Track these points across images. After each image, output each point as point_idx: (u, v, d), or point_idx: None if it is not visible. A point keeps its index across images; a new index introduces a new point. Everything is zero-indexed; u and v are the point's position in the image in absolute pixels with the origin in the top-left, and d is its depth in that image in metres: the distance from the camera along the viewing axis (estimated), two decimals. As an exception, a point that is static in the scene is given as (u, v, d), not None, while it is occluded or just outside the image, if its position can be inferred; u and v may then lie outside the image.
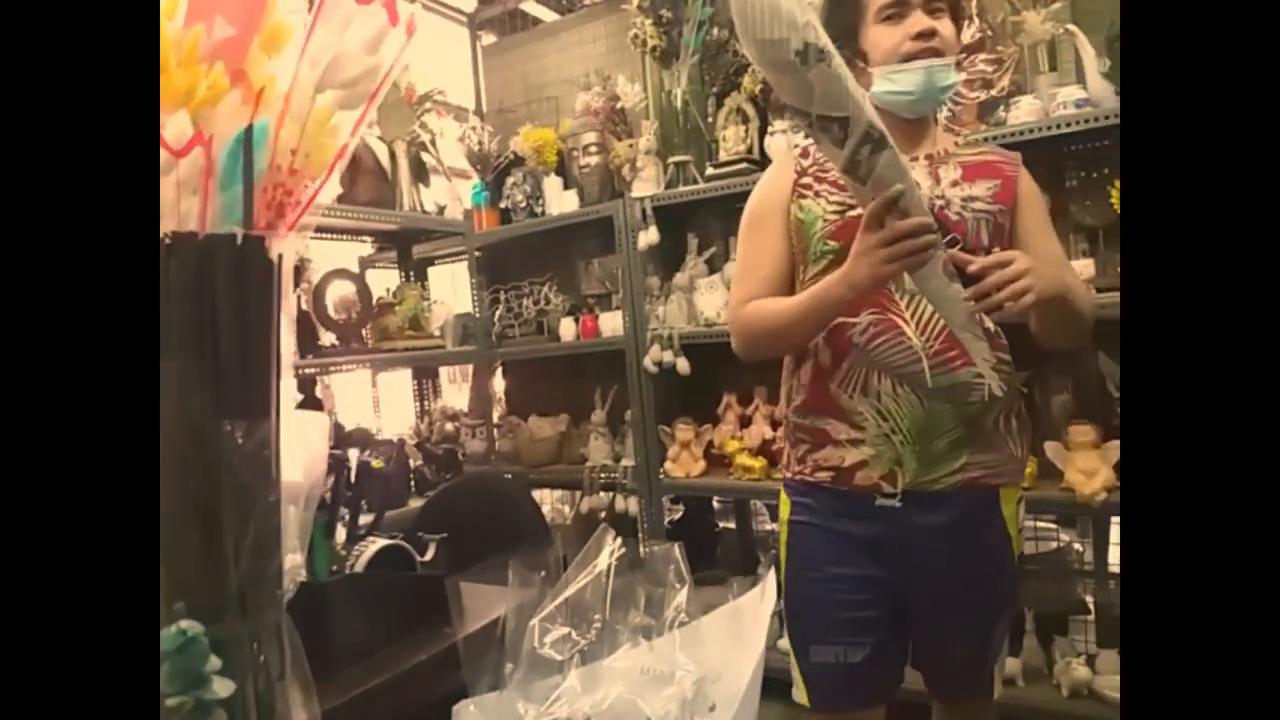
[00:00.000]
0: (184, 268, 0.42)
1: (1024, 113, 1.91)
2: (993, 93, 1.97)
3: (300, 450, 0.48)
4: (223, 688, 0.32)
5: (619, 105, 2.53)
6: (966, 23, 1.99)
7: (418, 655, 0.70)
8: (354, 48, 0.59)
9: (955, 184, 1.16)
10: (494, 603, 0.81)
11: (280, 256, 0.48)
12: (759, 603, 0.63)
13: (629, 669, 0.63)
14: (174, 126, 0.55)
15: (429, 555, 0.84)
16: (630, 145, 2.50)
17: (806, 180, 1.21)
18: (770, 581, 0.64)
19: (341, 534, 0.79)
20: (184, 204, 0.56)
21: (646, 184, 2.47)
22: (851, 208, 1.12)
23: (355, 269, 2.52)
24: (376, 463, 1.11)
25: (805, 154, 1.24)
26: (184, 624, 0.33)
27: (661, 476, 2.46)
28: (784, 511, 1.24)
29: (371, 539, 0.79)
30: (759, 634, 0.62)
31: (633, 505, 2.52)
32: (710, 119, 2.41)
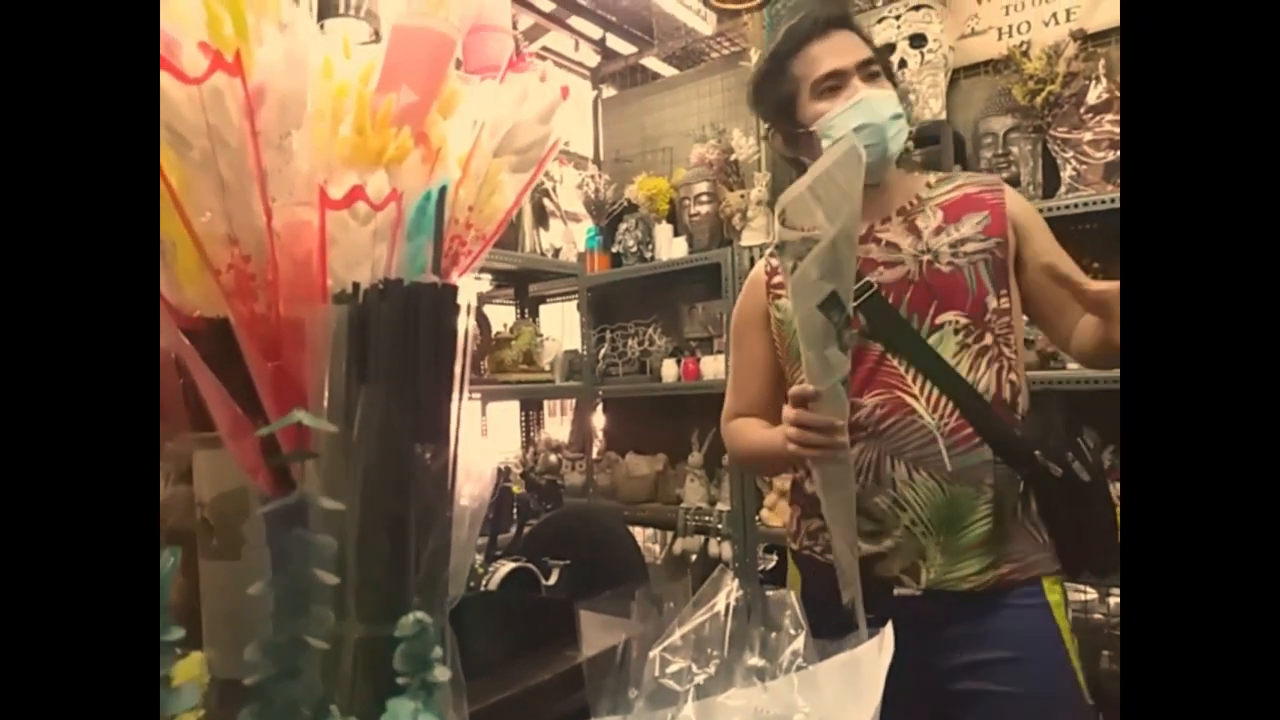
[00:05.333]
0: (392, 309, 0.49)
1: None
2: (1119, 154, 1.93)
3: (470, 474, 0.54)
4: (442, 673, 0.37)
5: (733, 157, 2.60)
6: (1094, 82, 1.96)
7: (542, 674, 0.74)
8: (529, 118, 0.66)
9: (939, 230, 1.08)
10: (609, 630, 0.86)
11: (468, 303, 0.54)
12: (877, 654, 0.64)
13: (744, 707, 0.65)
14: (374, 184, 0.63)
15: (553, 579, 0.89)
16: (742, 195, 2.56)
17: (779, 279, 1.15)
18: (888, 634, 0.65)
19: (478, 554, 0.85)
20: (377, 250, 0.64)
21: (756, 233, 2.51)
22: None
23: (475, 304, 2.67)
24: (516, 488, 1.18)
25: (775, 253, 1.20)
26: (418, 614, 0.38)
27: (757, 523, 2.45)
28: (793, 582, 1.17)
29: (502, 560, 0.85)
30: (876, 685, 0.63)
31: (726, 550, 2.52)
32: (823, 172, 2.44)
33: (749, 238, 2.52)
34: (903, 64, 2.26)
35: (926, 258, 1.07)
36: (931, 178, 1.17)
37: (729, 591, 0.73)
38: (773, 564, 2.79)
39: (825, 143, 1.07)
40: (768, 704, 0.64)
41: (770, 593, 0.75)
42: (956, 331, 1.03)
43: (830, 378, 0.89)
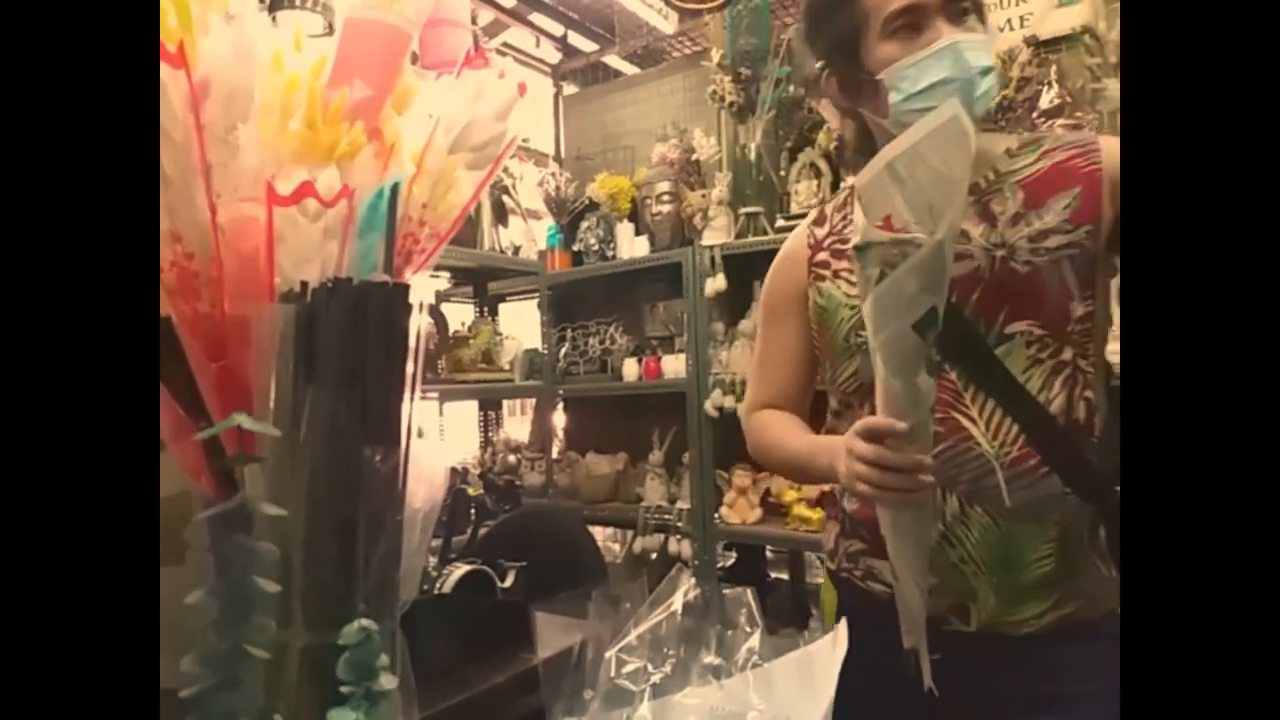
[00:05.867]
0: (342, 308, 0.48)
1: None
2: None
3: (423, 476, 0.53)
4: (388, 681, 0.36)
5: (694, 157, 2.61)
6: (1046, 88, 2.01)
7: (496, 677, 0.74)
8: (485, 115, 0.66)
9: (1017, 218, 0.87)
10: (566, 632, 0.85)
11: (421, 303, 0.53)
12: (831, 651, 0.65)
13: (700, 705, 0.65)
14: (325, 179, 0.61)
15: (509, 582, 0.89)
16: (703, 195, 2.57)
17: (823, 256, 0.98)
18: (842, 630, 0.66)
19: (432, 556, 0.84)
20: (327, 247, 0.63)
21: (717, 233, 2.52)
22: None
23: (432, 302, 2.64)
24: (473, 489, 1.17)
25: (821, 219, 1.02)
26: (364, 622, 0.38)
27: (717, 521, 2.46)
28: (829, 604, 1.04)
29: (457, 563, 0.84)
30: (829, 682, 0.63)
31: (685, 548, 2.53)
32: (783, 173, 2.47)
33: (710, 237, 2.53)
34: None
35: (1000, 253, 0.87)
36: (1014, 142, 0.94)
37: (686, 590, 0.73)
38: (731, 561, 2.82)
39: (894, 96, 0.86)
40: (723, 702, 0.65)
41: (727, 590, 0.75)
42: (1030, 344, 0.86)
43: (920, 410, 0.74)
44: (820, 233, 1.00)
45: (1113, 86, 1.94)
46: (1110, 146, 0.89)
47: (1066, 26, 2.04)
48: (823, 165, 2.37)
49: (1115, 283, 0.90)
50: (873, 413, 0.80)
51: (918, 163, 0.65)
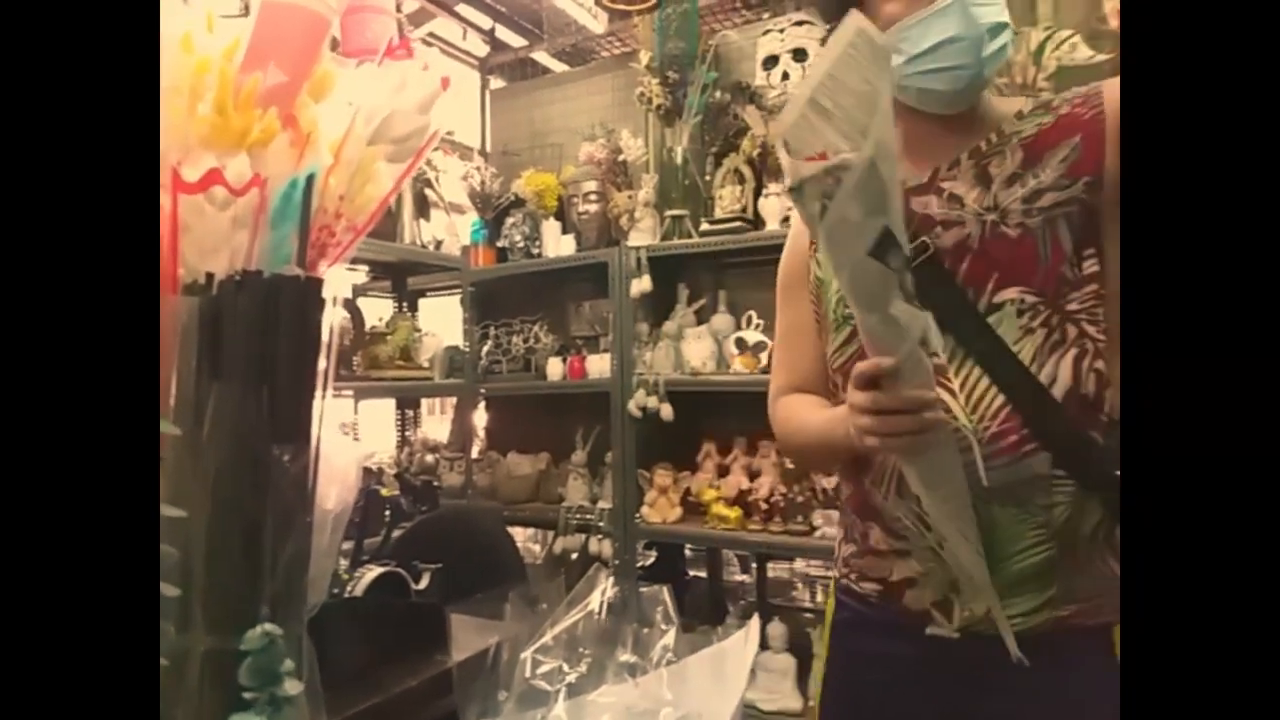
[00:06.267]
0: (250, 302, 0.47)
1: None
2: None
3: (334, 476, 0.51)
4: (292, 686, 0.35)
5: (621, 157, 2.62)
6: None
7: (409, 680, 0.72)
8: (408, 107, 0.64)
9: (1012, 179, 0.82)
10: (483, 633, 0.84)
11: (335, 297, 0.52)
12: (743, 647, 0.67)
13: (614, 704, 0.66)
14: (235, 167, 0.59)
15: (423, 584, 0.87)
16: (630, 196, 2.58)
17: None
18: (754, 627, 0.68)
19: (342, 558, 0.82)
20: (236, 238, 0.61)
21: (643, 234, 2.54)
22: None
23: (348, 296, 2.56)
24: (388, 490, 1.13)
25: None
26: (267, 626, 0.36)
27: (638, 520, 2.48)
28: (829, 610, 0.99)
29: (369, 565, 0.82)
30: (740, 677, 0.65)
31: (606, 548, 2.54)
32: (708, 177, 2.51)
33: (636, 238, 2.55)
34: (785, 77, 2.36)
35: (991, 218, 0.82)
36: (1027, 104, 0.88)
37: (604, 590, 0.73)
38: (651, 560, 2.84)
39: (897, 59, 0.81)
40: (637, 699, 0.66)
41: (645, 589, 0.76)
42: (1021, 313, 0.80)
43: (904, 341, 0.69)
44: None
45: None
46: (1113, 88, 0.82)
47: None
48: (746, 172, 2.42)
49: None
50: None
51: (839, 89, 0.62)
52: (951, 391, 0.81)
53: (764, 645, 2.23)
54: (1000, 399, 0.80)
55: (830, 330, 0.92)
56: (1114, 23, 1.91)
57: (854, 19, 0.63)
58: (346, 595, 0.76)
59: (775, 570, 3.09)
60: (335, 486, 0.51)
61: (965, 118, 0.86)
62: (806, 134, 0.63)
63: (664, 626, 0.70)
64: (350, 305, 2.32)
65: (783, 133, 0.64)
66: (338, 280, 0.63)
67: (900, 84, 0.83)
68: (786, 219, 2.27)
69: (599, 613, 0.70)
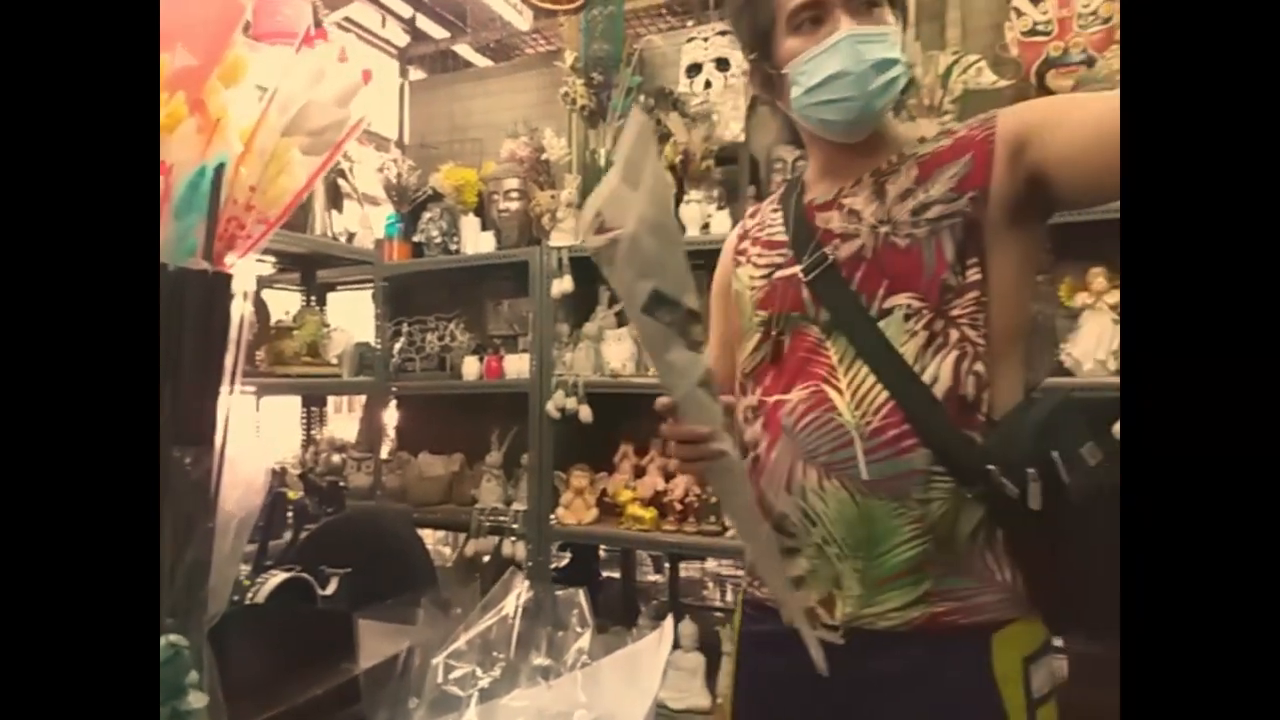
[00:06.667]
0: (152, 296, 0.44)
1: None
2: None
3: (239, 479, 0.49)
4: (198, 699, 0.34)
5: (544, 156, 2.61)
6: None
7: (316, 688, 0.70)
8: (325, 99, 0.62)
9: (905, 194, 0.89)
10: (392, 639, 0.82)
11: (245, 292, 0.50)
12: (656, 648, 0.68)
13: (528, 707, 0.66)
14: (136, 152, 0.56)
15: (331, 589, 0.84)
16: (552, 196, 2.57)
17: (744, 245, 1.03)
18: (668, 627, 0.69)
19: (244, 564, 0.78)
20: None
21: (565, 235, 2.53)
22: (779, 267, 0.95)
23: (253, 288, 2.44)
24: (293, 492, 1.09)
25: (754, 212, 1.06)
26: (173, 638, 0.34)
27: (552, 522, 2.47)
28: (736, 619, 1.02)
29: (272, 570, 0.79)
30: (654, 678, 0.66)
31: (520, 551, 2.51)
32: (630, 181, 2.52)
33: (558, 238, 2.53)
34: (708, 85, 2.40)
35: (884, 229, 0.88)
36: (932, 129, 0.96)
37: (519, 593, 0.73)
38: (566, 561, 2.83)
39: (794, 90, 0.90)
40: (551, 703, 0.66)
41: (559, 592, 0.76)
42: (907, 317, 0.86)
43: (683, 383, 0.77)
44: (750, 224, 1.04)
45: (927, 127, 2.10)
46: (1009, 112, 0.88)
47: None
48: (668, 178, 2.44)
49: (1019, 252, 0.89)
50: (764, 394, 0.92)
51: (631, 168, 0.72)
52: (840, 390, 0.87)
53: (675, 644, 2.26)
54: (884, 395, 0.84)
55: (744, 337, 0.98)
56: (1015, 51, 2.05)
57: (639, 111, 0.79)
58: (248, 602, 0.73)
59: (687, 570, 3.14)
60: (239, 489, 0.49)
61: (870, 143, 0.92)
62: (618, 208, 0.72)
63: (579, 629, 0.70)
64: (255, 298, 2.21)
65: (596, 205, 0.73)
66: (245, 272, 0.61)
67: (801, 114, 0.92)
68: (706, 226, 2.31)
69: (513, 617, 0.70)
